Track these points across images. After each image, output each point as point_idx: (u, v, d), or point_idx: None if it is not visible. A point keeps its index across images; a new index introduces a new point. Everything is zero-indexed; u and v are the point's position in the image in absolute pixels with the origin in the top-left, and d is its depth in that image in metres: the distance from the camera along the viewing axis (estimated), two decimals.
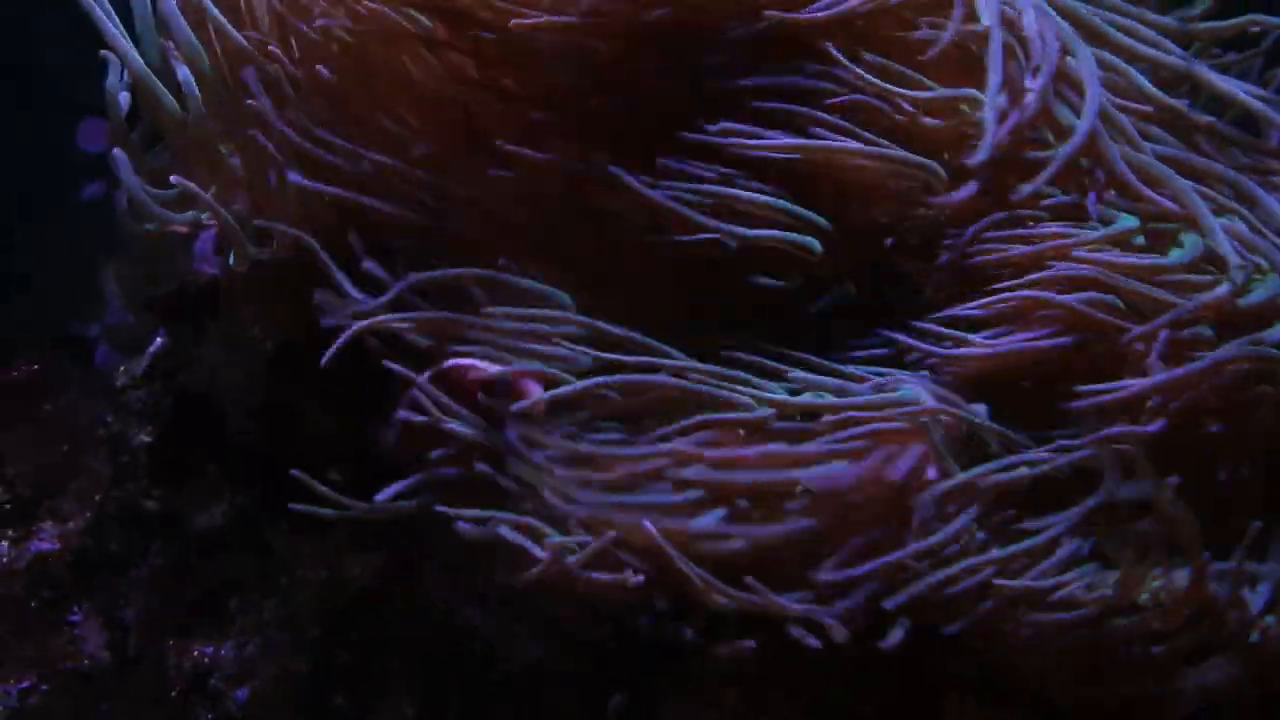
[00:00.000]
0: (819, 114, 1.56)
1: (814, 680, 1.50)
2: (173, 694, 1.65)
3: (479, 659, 1.61)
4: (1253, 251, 1.55)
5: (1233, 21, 1.77)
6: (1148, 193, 1.58)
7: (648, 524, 1.37)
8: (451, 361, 1.50)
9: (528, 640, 1.59)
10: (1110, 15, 1.74)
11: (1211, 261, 1.54)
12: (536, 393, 1.47)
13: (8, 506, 1.79)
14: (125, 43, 1.70)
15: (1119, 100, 1.66)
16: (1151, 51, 1.73)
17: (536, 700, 1.60)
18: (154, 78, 1.69)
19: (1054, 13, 1.67)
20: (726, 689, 1.53)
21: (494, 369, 1.48)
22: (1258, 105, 1.71)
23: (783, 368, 1.52)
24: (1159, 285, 1.50)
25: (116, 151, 1.67)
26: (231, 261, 1.66)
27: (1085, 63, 1.61)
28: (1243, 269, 1.49)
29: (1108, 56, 1.69)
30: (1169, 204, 1.58)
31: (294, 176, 1.57)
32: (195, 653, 1.66)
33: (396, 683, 1.65)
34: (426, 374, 1.50)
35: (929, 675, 1.47)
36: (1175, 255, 1.54)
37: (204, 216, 1.67)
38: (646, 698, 1.56)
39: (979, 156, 1.52)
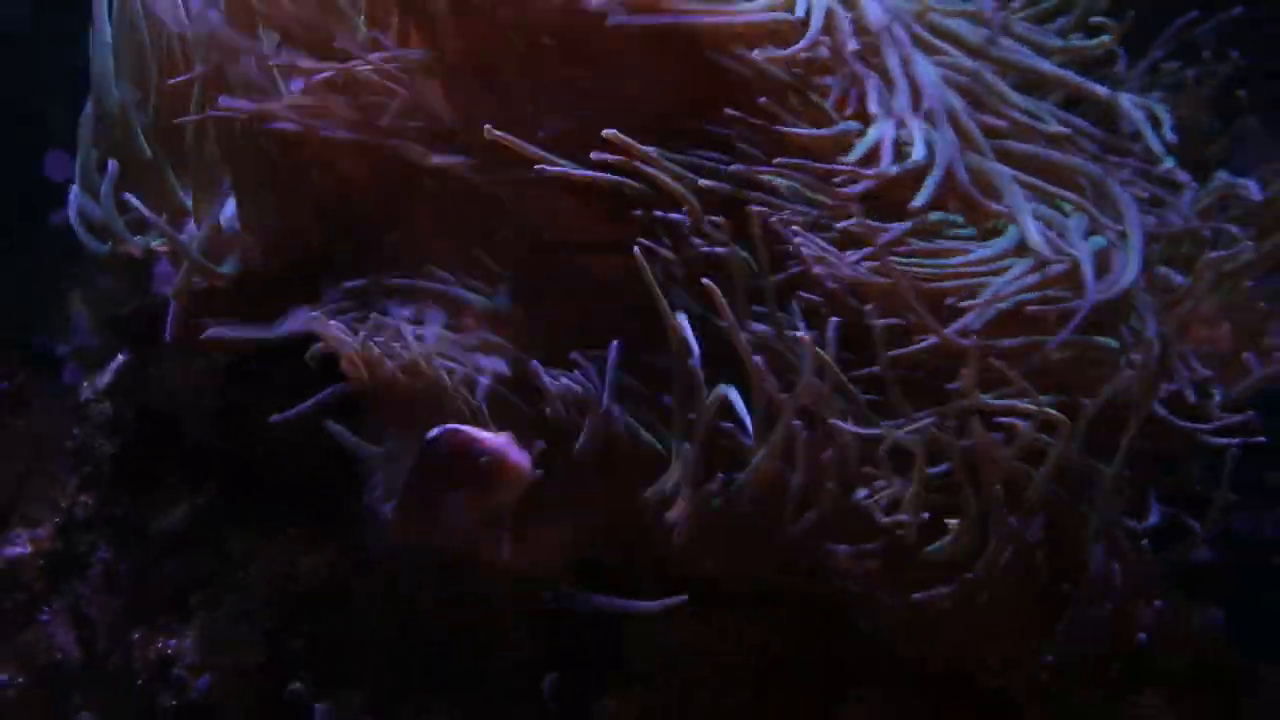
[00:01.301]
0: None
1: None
2: (139, 683, 1.67)
3: (425, 647, 1.63)
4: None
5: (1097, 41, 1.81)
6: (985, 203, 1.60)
7: None
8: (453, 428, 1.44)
9: (475, 630, 1.61)
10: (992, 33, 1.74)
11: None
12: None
13: None
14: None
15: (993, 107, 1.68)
16: (1027, 63, 1.75)
17: (479, 683, 1.62)
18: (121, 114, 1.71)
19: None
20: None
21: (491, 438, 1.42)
22: (1125, 104, 1.73)
23: None
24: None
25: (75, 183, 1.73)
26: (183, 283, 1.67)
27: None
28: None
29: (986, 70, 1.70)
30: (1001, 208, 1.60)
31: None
32: (159, 645, 1.68)
33: (347, 669, 1.65)
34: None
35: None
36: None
37: (156, 243, 1.69)
38: (580, 678, 1.59)
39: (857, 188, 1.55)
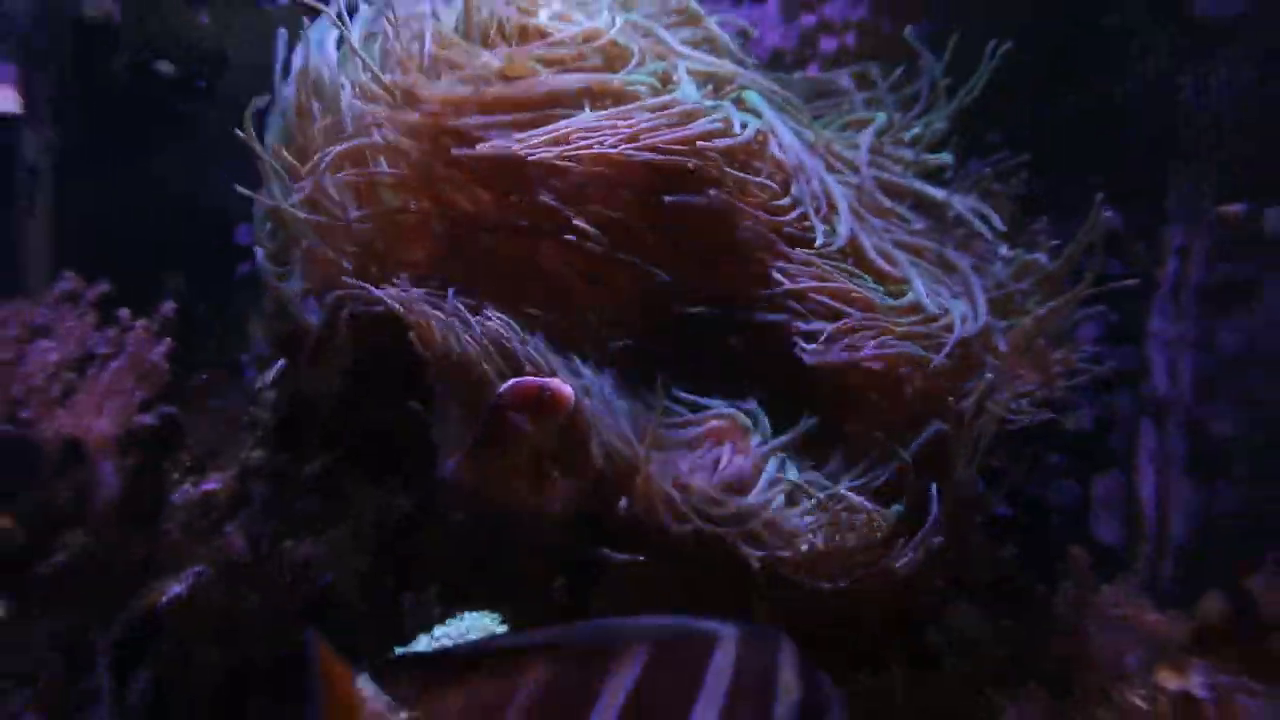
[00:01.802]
0: None
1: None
2: (286, 578, 1.69)
3: (475, 561, 1.63)
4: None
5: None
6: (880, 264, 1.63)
7: None
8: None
9: (510, 551, 1.61)
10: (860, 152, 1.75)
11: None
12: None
13: (188, 464, 1.82)
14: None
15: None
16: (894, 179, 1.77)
17: (512, 585, 1.60)
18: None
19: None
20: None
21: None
22: (941, 195, 1.76)
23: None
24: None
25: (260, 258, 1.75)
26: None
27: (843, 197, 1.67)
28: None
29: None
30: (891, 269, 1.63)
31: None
32: (300, 552, 1.69)
33: (424, 574, 1.65)
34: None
35: None
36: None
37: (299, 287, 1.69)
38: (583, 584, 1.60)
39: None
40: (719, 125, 1.54)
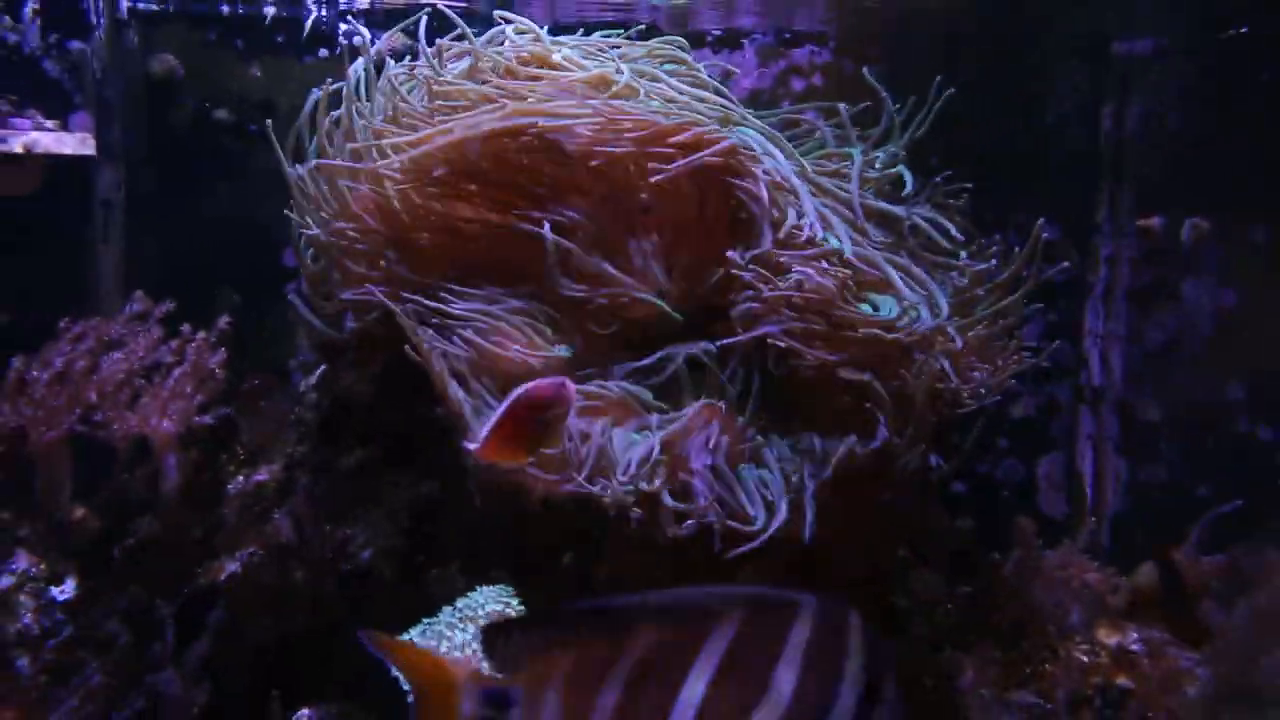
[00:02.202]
0: None
1: None
2: (328, 555, 1.65)
3: (493, 538, 1.60)
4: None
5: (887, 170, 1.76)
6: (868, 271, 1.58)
7: None
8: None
9: (523, 528, 1.55)
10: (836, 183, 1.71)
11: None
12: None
13: (242, 457, 1.80)
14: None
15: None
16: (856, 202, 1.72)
17: (524, 558, 1.58)
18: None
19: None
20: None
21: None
22: (902, 212, 1.70)
23: None
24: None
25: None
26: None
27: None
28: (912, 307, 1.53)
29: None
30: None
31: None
32: (340, 533, 1.66)
33: (451, 550, 1.64)
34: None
35: None
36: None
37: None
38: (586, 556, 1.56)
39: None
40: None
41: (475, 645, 1.24)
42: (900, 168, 1.73)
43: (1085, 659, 1.73)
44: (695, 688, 0.89)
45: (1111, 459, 2.30)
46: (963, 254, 1.68)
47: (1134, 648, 1.78)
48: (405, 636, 1.36)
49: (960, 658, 1.68)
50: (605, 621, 0.92)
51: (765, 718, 0.89)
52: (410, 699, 0.92)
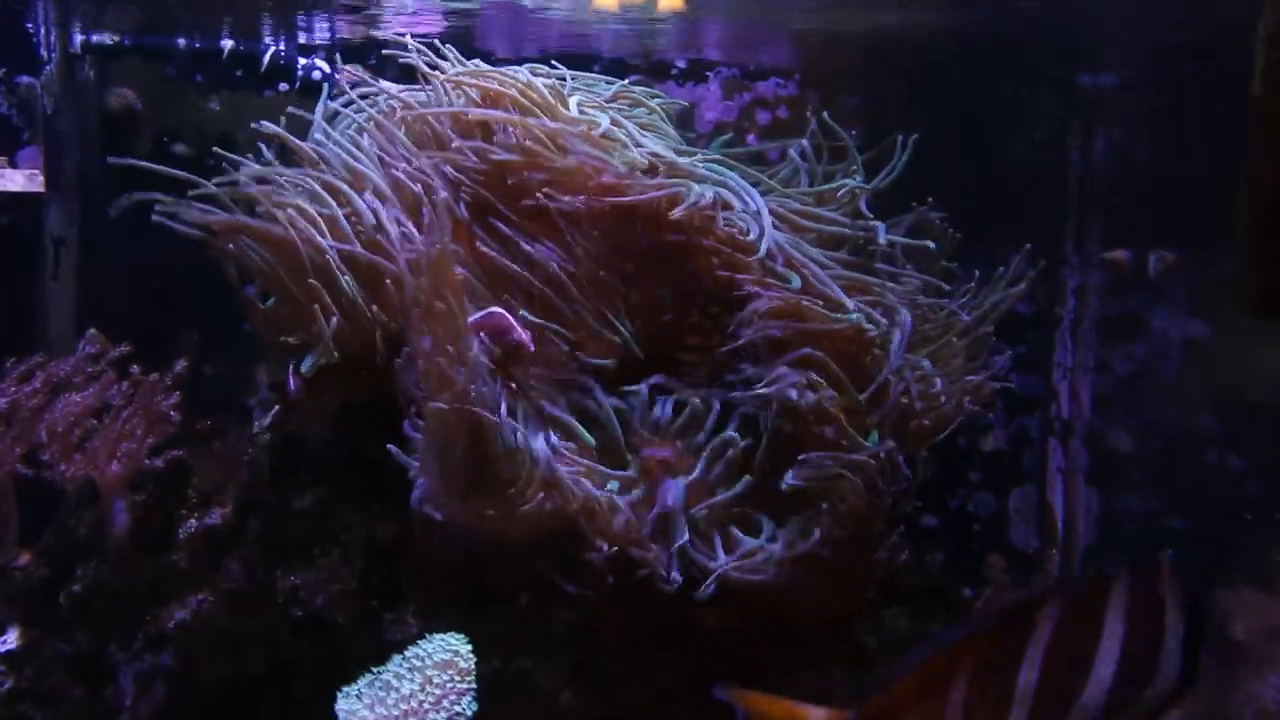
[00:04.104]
0: None
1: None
2: (280, 601, 1.61)
3: (448, 579, 1.56)
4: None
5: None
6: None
7: None
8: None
9: (478, 570, 1.53)
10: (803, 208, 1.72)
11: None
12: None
13: (194, 500, 1.73)
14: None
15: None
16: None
17: (478, 600, 1.55)
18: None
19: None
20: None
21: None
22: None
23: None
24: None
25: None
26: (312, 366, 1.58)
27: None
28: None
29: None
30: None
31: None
32: (293, 578, 1.61)
33: (407, 593, 1.59)
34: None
35: None
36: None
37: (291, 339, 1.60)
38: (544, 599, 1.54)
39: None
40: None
41: (421, 696, 1.20)
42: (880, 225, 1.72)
43: None
44: (1029, 675, 0.97)
45: (1082, 491, 2.29)
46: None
47: None
48: (353, 687, 1.31)
49: None
50: (941, 650, 1.01)
51: (1100, 674, 0.97)
52: None
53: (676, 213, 1.51)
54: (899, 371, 1.50)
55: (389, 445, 1.48)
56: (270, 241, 1.56)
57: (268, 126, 1.64)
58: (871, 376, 1.50)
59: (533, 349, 1.46)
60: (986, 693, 0.98)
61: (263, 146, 1.68)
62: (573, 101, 1.65)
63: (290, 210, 1.55)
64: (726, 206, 1.55)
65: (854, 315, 1.48)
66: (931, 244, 1.69)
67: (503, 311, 1.46)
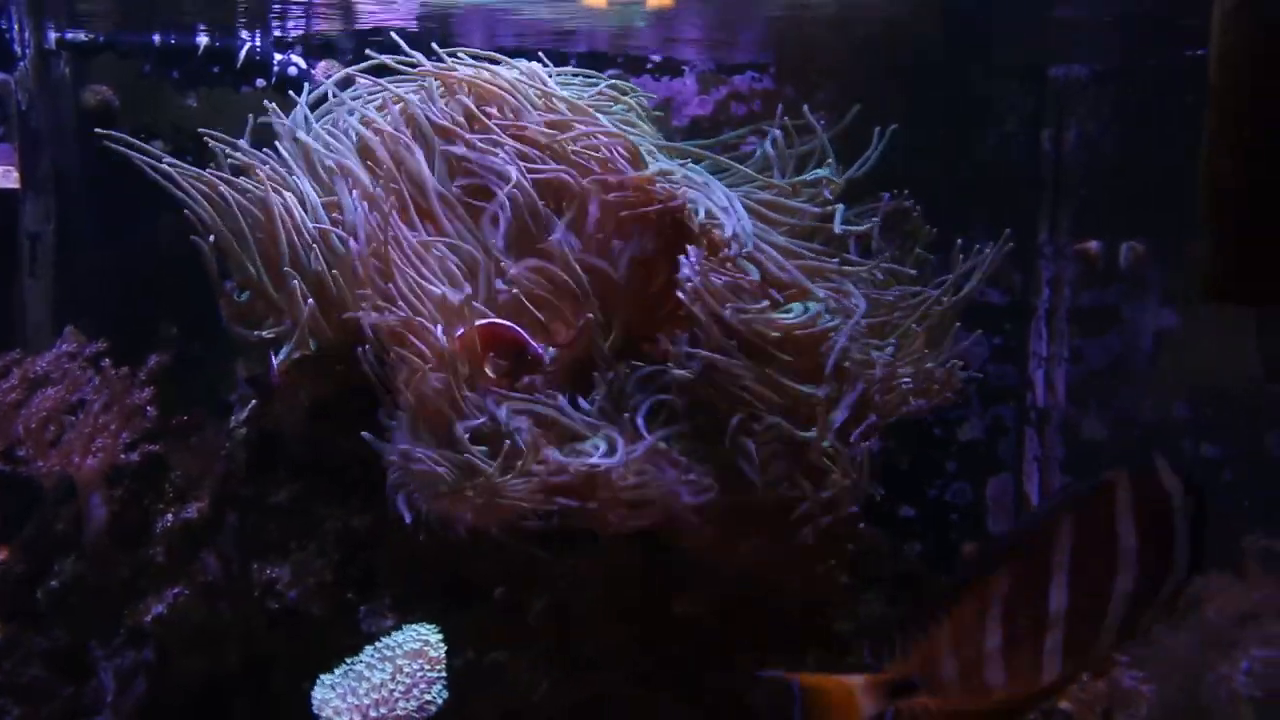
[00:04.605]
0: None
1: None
2: (255, 594, 1.61)
3: (421, 570, 1.57)
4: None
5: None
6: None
7: None
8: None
9: (452, 562, 1.54)
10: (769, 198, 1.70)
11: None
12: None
13: (171, 494, 1.75)
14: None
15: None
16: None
17: (453, 591, 1.56)
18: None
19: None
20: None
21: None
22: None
23: None
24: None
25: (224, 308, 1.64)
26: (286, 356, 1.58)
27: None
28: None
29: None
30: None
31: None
32: (269, 572, 1.62)
33: (381, 587, 1.59)
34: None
35: None
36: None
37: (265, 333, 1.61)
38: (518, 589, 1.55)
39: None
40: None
41: (392, 685, 1.22)
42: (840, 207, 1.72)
43: None
44: (1059, 596, 1.00)
45: (1058, 480, 2.31)
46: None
47: None
48: (328, 677, 1.32)
49: None
50: (967, 588, 1.02)
51: (1123, 581, 0.99)
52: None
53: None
54: (846, 352, 1.49)
55: (363, 433, 1.47)
56: (247, 223, 1.56)
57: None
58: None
59: (547, 361, 1.43)
60: (1021, 625, 1.00)
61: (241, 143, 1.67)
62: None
63: (274, 196, 1.55)
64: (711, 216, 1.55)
65: (814, 306, 1.47)
66: (875, 227, 1.68)
67: (509, 324, 1.43)
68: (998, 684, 1.00)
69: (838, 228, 1.66)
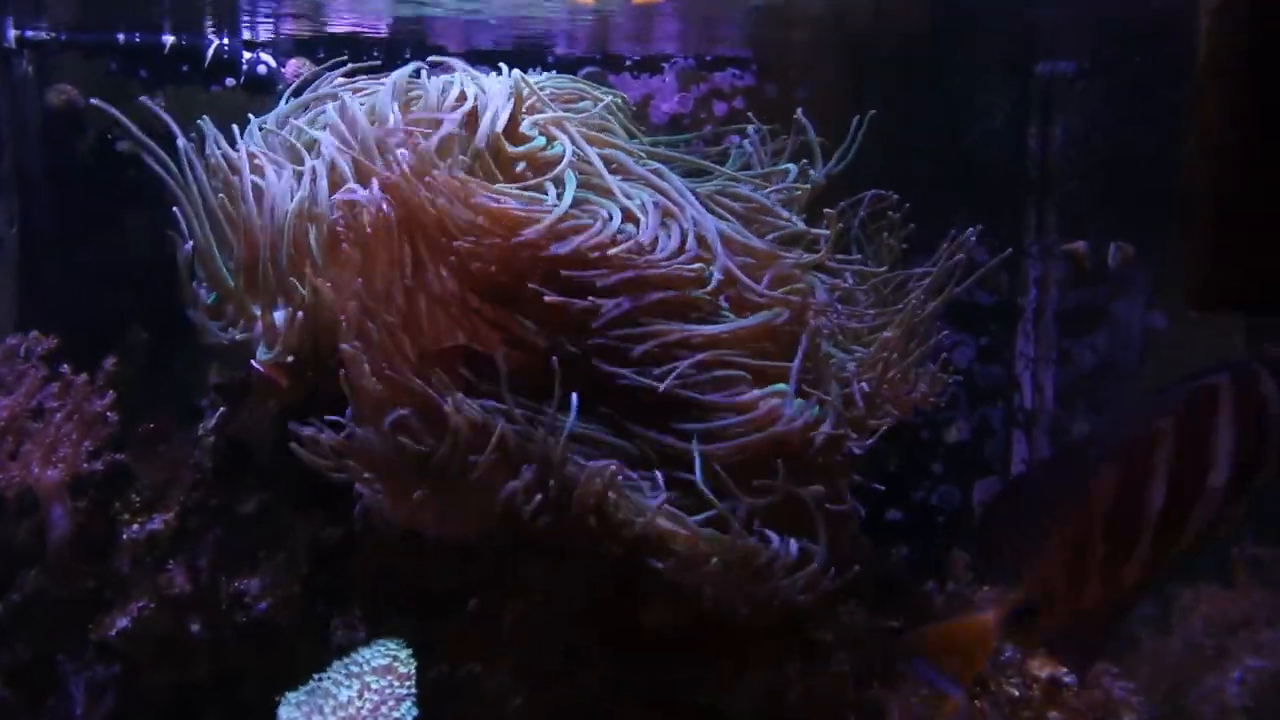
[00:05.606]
0: None
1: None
2: (224, 607, 1.60)
3: (392, 581, 1.55)
4: None
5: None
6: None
7: None
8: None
9: (421, 572, 1.53)
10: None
11: None
12: None
13: (137, 504, 1.72)
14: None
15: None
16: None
17: (423, 601, 1.53)
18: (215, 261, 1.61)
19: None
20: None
21: None
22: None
23: None
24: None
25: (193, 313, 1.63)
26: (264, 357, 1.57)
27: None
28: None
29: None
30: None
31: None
32: (237, 584, 1.61)
33: (352, 599, 1.58)
34: None
35: None
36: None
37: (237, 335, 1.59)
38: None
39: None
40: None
41: (359, 703, 1.19)
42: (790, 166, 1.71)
43: (1016, 693, 1.71)
44: (1156, 497, 1.03)
45: None
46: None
47: (1067, 679, 1.76)
48: (294, 695, 1.29)
49: (885, 694, 1.64)
50: (1071, 498, 1.05)
51: (1214, 480, 1.02)
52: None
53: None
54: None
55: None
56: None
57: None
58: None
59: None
60: (1122, 530, 1.04)
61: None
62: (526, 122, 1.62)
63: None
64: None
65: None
66: (825, 232, 1.65)
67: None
68: (1098, 588, 1.05)
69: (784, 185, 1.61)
